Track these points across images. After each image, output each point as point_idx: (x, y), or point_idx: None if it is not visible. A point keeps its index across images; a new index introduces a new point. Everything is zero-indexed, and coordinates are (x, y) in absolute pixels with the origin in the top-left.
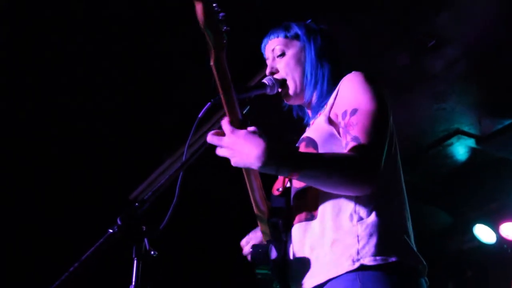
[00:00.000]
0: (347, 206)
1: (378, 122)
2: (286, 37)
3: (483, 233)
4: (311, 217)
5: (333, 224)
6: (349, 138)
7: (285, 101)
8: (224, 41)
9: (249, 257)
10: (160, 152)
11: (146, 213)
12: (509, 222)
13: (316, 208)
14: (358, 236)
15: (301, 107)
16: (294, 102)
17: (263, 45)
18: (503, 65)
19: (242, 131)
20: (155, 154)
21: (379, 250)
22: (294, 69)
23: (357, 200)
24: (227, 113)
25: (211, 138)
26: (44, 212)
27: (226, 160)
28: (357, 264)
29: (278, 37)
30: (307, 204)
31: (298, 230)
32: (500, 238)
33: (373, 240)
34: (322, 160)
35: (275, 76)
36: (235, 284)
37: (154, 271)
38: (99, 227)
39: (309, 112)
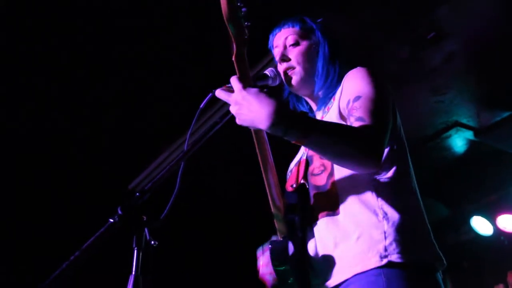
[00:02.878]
0: (371, 202)
1: (380, 107)
2: (301, 28)
3: (480, 225)
4: (333, 214)
5: (357, 219)
6: (352, 119)
7: (289, 89)
8: (246, 37)
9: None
10: (159, 142)
11: (147, 203)
12: (506, 214)
13: (338, 206)
14: (385, 232)
15: (299, 99)
16: (299, 91)
17: (273, 33)
18: (501, 58)
19: (253, 89)
20: (154, 144)
21: (405, 247)
22: (307, 59)
23: (380, 195)
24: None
25: (219, 92)
26: (44, 203)
27: (226, 153)
28: (384, 261)
29: (293, 27)
30: (329, 201)
31: (320, 226)
32: (497, 230)
33: (400, 237)
34: (331, 128)
35: (285, 63)
36: (235, 274)
37: (154, 260)
38: (99, 217)
39: (313, 104)
